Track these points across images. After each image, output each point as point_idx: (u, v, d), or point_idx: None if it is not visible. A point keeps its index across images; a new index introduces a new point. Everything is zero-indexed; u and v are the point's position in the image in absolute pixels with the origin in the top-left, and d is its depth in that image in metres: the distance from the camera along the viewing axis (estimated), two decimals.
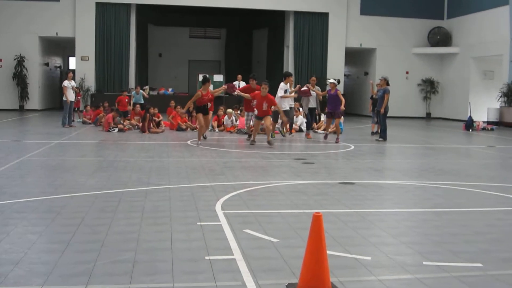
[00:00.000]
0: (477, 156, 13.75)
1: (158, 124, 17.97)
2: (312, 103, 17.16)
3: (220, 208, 6.53)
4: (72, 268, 4.36)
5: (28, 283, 4.02)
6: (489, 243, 5.44)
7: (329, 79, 19.09)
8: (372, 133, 18.00)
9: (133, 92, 20.84)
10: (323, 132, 17.45)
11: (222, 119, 18.80)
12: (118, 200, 6.92)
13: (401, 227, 6.03)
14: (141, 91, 20.71)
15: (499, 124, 23.70)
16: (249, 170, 9.81)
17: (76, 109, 21.27)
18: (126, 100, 19.78)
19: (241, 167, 10.20)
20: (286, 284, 4.04)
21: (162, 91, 27.41)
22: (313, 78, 17.41)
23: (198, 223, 5.86)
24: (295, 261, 4.55)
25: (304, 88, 16.91)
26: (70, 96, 18.58)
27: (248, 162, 10.97)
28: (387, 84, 16.06)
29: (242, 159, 11.32)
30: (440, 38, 28.96)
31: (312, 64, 28.20)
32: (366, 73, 29.91)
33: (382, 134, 16.15)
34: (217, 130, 18.39)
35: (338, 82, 16.39)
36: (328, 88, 15.88)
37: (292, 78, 17.06)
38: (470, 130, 21.27)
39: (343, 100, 15.54)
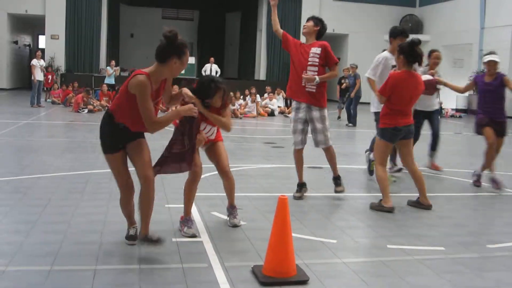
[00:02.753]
0: (444, 142, 13.97)
1: None
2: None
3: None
4: (38, 249, 4.33)
5: None
6: (451, 228, 5.57)
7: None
8: (339, 118, 18.15)
9: (108, 68, 20.39)
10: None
11: None
12: (85, 182, 6.87)
13: (367, 211, 6.12)
14: (112, 70, 20.41)
15: (467, 112, 24.12)
16: None
17: (47, 88, 20.93)
18: None
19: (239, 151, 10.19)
20: (252, 266, 4.09)
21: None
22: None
23: (166, 205, 5.87)
24: (261, 243, 4.60)
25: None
26: (39, 75, 18.27)
27: (247, 147, 10.95)
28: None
29: (240, 144, 11.31)
30: (412, 25, 29.20)
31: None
32: (338, 59, 30.02)
33: (352, 120, 16.32)
34: None
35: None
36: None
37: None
38: (439, 117, 21.59)
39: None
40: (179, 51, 4.16)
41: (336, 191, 6.59)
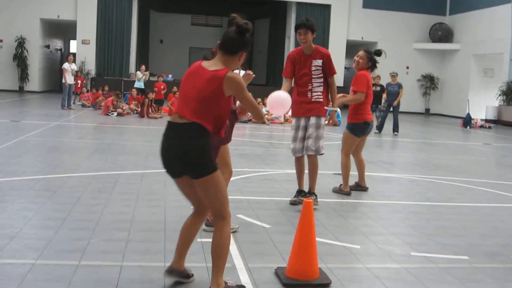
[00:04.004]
0: (473, 153, 13.85)
1: (157, 109, 18.03)
2: None
3: None
4: (67, 244, 4.45)
5: (23, 257, 4.11)
6: (476, 237, 5.54)
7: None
8: (379, 129, 17.38)
9: (138, 73, 20.59)
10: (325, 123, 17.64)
11: None
12: (115, 182, 7.00)
13: (392, 219, 6.13)
14: (142, 75, 20.61)
15: (497, 123, 23.78)
16: (245, 158, 9.89)
17: (76, 93, 21.31)
18: (162, 87, 18.76)
19: (238, 154, 10.27)
20: (275, 268, 4.13)
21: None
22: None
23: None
24: (285, 246, 4.64)
25: None
26: (70, 79, 18.62)
27: (245, 150, 11.05)
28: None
29: (239, 147, 11.39)
30: (442, 34, 28.97)
31: None
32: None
33: (396, 128, 16.29)
34: None
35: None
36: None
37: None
38: (468, 127, 21.36)
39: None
40: (248, 46, 3.75)
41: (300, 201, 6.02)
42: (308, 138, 6.26)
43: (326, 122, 6.50)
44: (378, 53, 7.13)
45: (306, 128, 6.35)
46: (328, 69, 6.24)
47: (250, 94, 3.68)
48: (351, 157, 7.39)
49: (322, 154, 6.33)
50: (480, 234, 5.66)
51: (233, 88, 3.56)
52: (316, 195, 6.36)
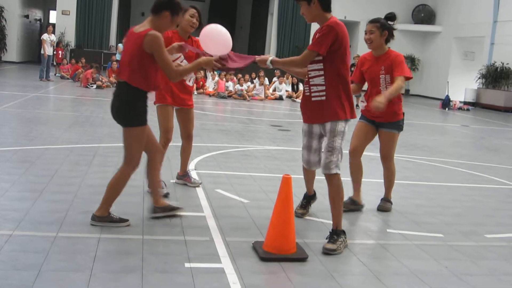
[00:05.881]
0: (450, 134, 14.02)
1: None
2: None
3: (193, 168, 6.63)
4: (44, 216, 4.42)
5: (0, 228, 4.09)
6: (451, 216, 5.63)
7: None
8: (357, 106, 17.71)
9: (120, 45, 20.36)
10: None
11: (201, 82, 18.77)
12: (93, 155, 6.96)
13: (369, 197, 6.17)
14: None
15: (475, 105, 24.04)
16: (225, 134, 9.88)
17: (56, 63, 21.01)
18: None
19: (218, 130, 10.27)
20: (253, 242, 4.16)
21: None
22: None
23: (171, 181, 5.95)
24: (263, 221, 4.67)
25: None
26: (48, 50, 18.34)
27: (225, 125, 11.03)
28: None
29: (219, 122, 11.38)
30: (424, 16, 29.04)
31: (295, 33, 28.11)
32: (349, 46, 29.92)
33: None
34: (195, 93, 18.36)
35: None
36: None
37: None
38: (447, 109, 21.57)
39: None
40: (173, 7, 4.24)
41: (324, 250, 4.18)
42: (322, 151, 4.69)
43: None
44: (391, 16, 5.53)
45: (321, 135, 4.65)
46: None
47: (167, 54, 4.14)
48: (347, 161, 5.62)
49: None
50: (455, 213, 5.76)
51: (151, 46, 4.02)
52: (338, 232, 4.36)
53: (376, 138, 5.74)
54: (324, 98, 4.32)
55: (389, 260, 4.20)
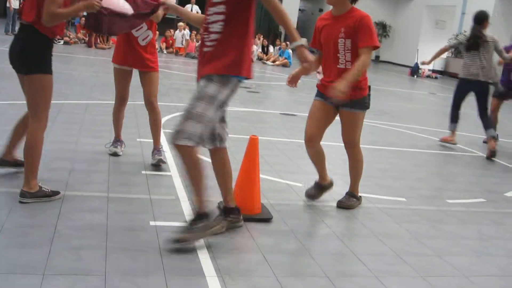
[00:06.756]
0: (417, 101, 14.21)
1: (106, 40, 17.51)
2: None
3: (162, 127, 6.57)
4: (6, 172, 4.35)
5: None
6: (414, 181, 5.76)
7: None
8: None
9: None
10: (272, 63, 17.51)
11: (170, 41, 18.53)
12: (57, 111, 6.84)
13: (334, 160, 6.25)
14: None
15: (444, 74, 24.33)
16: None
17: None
18: None
19: (187, 89, 10.19)
20: (218, 201, 4.19)
21: None
22: None
23: (138, 139, 5.91)
24: None
25: None
26: (14, 3, 17.79)
27: (194, 85, 10.93)
28: None
29: (188, 82, 11.28)
30: None
31: None
32: (321, 10, 29.77)
33: None
34: (165, 52, 18.13)
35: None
36: None
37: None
38: (415, 76, 21.79)
39: None
40: None
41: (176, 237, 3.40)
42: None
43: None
44: None
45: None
46: None
47: None
48: (304, 146, 4.87)
49: None
50: (417, 178, 5.89)
51: None
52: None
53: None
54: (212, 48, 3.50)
55: (351, 221, 4.29)
